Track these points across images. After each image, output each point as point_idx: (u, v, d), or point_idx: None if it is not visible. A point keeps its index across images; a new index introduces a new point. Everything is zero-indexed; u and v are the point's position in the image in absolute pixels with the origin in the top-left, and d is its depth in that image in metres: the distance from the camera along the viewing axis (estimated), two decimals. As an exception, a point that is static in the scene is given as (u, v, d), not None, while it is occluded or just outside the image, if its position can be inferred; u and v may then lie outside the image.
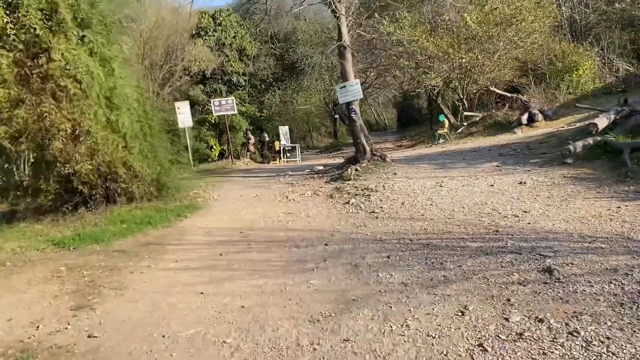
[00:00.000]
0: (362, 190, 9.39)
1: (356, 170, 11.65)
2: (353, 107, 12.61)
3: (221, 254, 5.93)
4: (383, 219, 7.06)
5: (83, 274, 5.47)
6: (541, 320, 3.37)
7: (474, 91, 24.02)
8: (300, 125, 42.58)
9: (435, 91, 25.44)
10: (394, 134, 40.98)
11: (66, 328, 4.10)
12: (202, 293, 4.61)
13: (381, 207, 7.74)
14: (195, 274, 5.24)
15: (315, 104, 45.61)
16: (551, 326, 3.29)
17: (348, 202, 8.51)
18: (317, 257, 5.42)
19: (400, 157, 15.29)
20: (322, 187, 10.69)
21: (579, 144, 10.02)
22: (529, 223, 5.95)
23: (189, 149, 19.33)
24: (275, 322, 3.81)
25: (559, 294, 3.77)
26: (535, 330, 3.26)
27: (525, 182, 8.40)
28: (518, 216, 6.34)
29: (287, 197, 9.92)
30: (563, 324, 3.30)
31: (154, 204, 9.41)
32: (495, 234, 5.60)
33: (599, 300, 3.60)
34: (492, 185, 8.53)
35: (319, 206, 8.66)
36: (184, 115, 18.86)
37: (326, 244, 5.92)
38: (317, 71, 21.17)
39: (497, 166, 10.65)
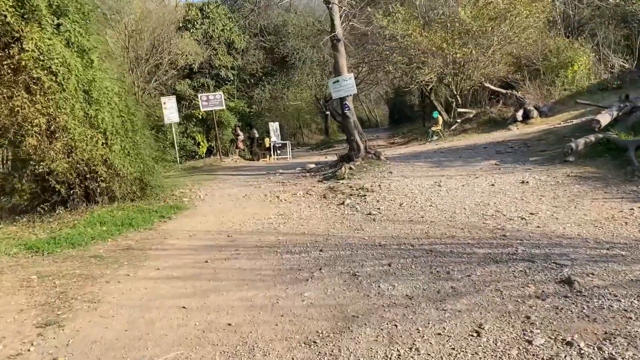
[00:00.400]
0: (357, 190, 8.96)
1: (350, 168, 11.22)
2: (347, 102, 12.16)
3: (207, 261, 5.47)
4: (381, 221, 6.63)
5: (55, 284, 4.98)
6: (569, 344, 2.96)
7: (468, 87, 23.73)
8: (290, 122, 42.01)
9: (429, 87, 25.08)
10: (386, 130, 40.61)
11: (29, 350, 3.61)
12: (184, 307, 4.14)
13: (378, 209, 7.32)
14: (177, 284, 4.77)
15: (305, 100, 45.09)
16: (582, 351, 2.88)
17: (343, 203, 8.08)
18: (311, 265, 4.98)
19: (394, 154, 14.89)
20: (314, 186, 10.24)
21: (581, 141, 9.67)
22: (538, 226, 5.56)
23: (175, 146, 18.78)
24: (266, 345, 3.35)
25: (584, 311, 3.37)
26: (565, 356, 2.85)
27: (527, 182, 8.03)
28: (525, 219, 5.95)
29: (278, 197, 9.46)
30: (595, 348, 2.90)
31: (137, 204, 8.91)
32: (503, 239, 5.20)
33: (630, 318, 3.20)
34: (492, 184, 8.14)
35: (312, 207, 8.21)
36: (170, 110, 18.28)
37: (321, 250, 5.48)
38: (308, 66, 20.64)
39: (495, 164, 10.28)
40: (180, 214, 8.52)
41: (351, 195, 8.65)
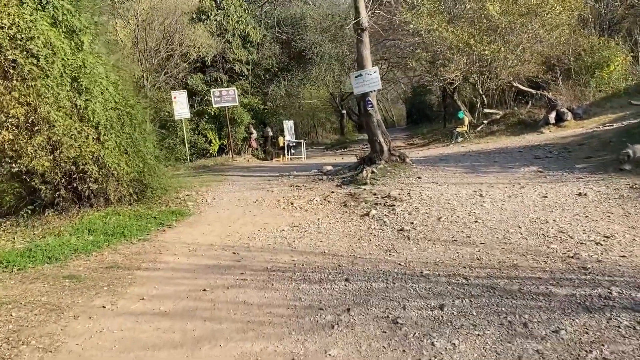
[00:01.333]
0: (383, 198, 7.82)
1: (372, 172, 10.08)
2: (369, 99, 11.02)
3: (205, 290, 4.38)
4: (417, 240, 5.50)
5: (11, 316, 3.94)
6: None
7: (494, 87, 22.41)
8: (305, 120, 41.02)
9: (452, 86, 23.81)
10: (404, 130, 39.32)
11: None
12: (167, 365, 3.06)
13: (412, 223, 6.17)
14: (164, 324, 3.69)
15: (321, 98, 44.07)
16: None
17: (367, 214, 6.95)
18: (336, 303, 3.86)
19: (418, 157, 13.71)
20: (333, 192, 9.12)
21: (638, 147, 8.42)
22: (623, 256, 4.38)
23: (186, 143, 17.81)
24: None
25: None
26: None
27: (585, 194, 6.82)
28: (601, 244, 4.77)
29: (292, 204, 8.37)
30: None
31: (135, 209, 7.88)
32: (584, 273, 4.03)
33: None
34: (544, 196, 6.95)
35: (331, 217, 7.10)
36: (180, 105, 17.29)
37: (347, 280, 4.36)
38: (326, 61, 19.49)
39: (538, 171, 9.08)
40: (182, 222, 7.47)
41: (376, 204, 7.52)
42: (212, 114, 19.42)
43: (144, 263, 5.37)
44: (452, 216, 6.26)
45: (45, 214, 7.44)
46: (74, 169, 6.79)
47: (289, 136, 21.42)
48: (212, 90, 18.42)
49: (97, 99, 6.75)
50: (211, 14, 18.78)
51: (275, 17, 19.64)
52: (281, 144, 20.94)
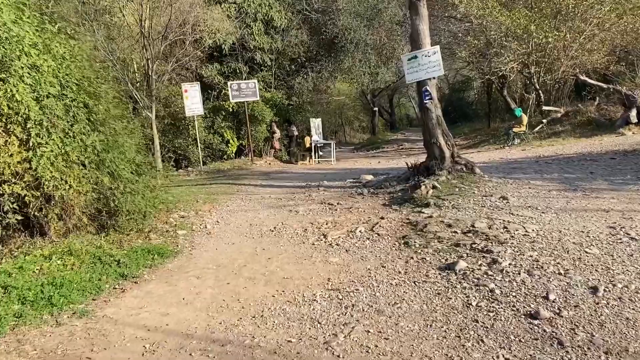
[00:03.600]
0: (465, 234, 5.12)
1: (434, 188, 7.37)
2: (427, 89, 8.28)
3: None
4: (580, 349, 2.77)
5: None
6: None
7: (553, 80, 19.27)
8: (332, 119, 38.32)
9: (501, 80, 20.76)
10: (439, 130, 36.21)
11: None
12: None
13: (546, 299, 3.42)
14: None
15: (350, 95, 41.24)
16: None
17: (452, 268, 4.24)
18: None
19: (479, 163, 10.89)
20: (381, 216, 6.45)
21: None
22: None
23: (198, 144, 15.38)
24: None
25: None
26: None
27: None
28: None
29: (325, 237, 5.73)
30: None
31: (99, 242, 5.37)
32: None
33: None
34: None
35: (390, 270, 4.42)
36: (192, 100, 14.87)
37: None
38: (361, 49, 16.78)
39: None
40: (159, 271, 4.92)
41: (458, 245, 4.81)
42: (230, 110, 16.96)
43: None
44: (611, 287, 3.49)
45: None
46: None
47: (316, 136, 18.80)
48: (229, 83, 15.96)
49: (21, 79, 4.24)
50: (230, -5, 16.33)
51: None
52: (307, 145, 18.33)
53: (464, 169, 8.30)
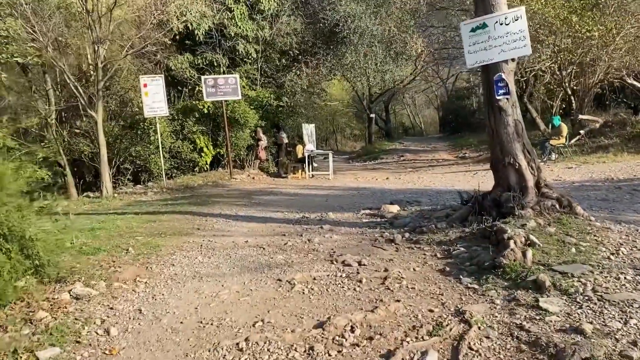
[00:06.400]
0: None
1: (530, 245, 4.23)
2: (503, 77, 5.15)
3: None
4: None
5: None
6: None
7: (590, 84, 16.37)
8: (323, 125, 35.16)
9: (529, 82, 17.81)
10: (440, 140, 33.21)
11: None
12: None
13: None
14: None
15: (343, 100, 38.07)
16: None
17: None
18: None
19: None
20: (454, 308, 3.30)
21: None
22: None
23: (160, 152, 12.10)
24: None
25: None
26: None
27: None
28: None
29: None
30: None
31: None
32: None
33: None
34: None
35: None
36: (153, 97, 11.64)
37: None
38: (366, 41, 13.64)
39: None
40: None
41: None
42: (205, 111, 13.73)
43: None
44: None
45: None
46: None
47: (310, 145, 15.62)
48: (203, 78, 12.77)
49: None
50: (206, -29, 13.11)
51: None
52: (300, 155, 15.13)
53: (557, 205, 5.18)
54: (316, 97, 18.60)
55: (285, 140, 15.28)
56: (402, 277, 4.15)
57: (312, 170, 15.02)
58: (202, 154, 13.91)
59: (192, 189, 11.52)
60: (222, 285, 4.22)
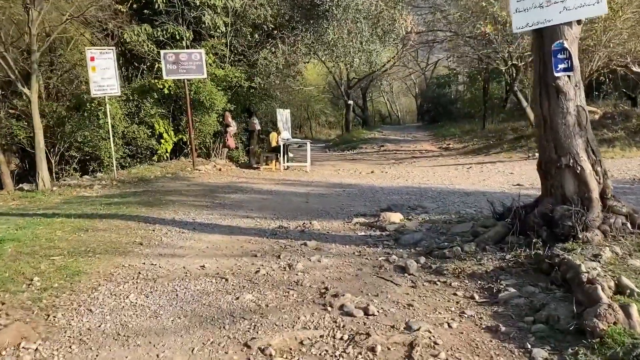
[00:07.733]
0: None
1: (620, 293, 2.82)
2: (566, 45, 3.70)
3: None
4: None
5: None
6: None
7: (587, 72, 15.26)
8: (297, 111, 33.46)
9: (513, 70, 16.64)
10: (419, 129, 31.91)
11: None
12: None
13: None
14: None
15: (319, 86, 36.35)
16: None
17: None
18: None
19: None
20: None
21: None
22: None
23: (111, 138, 10.30)
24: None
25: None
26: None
27: None
28: None
29: None
30: None
31: None
32: None
33: None
34: None
35: None
36: (102, 73, 9.81)
37: None
38: (350, 17, 12.03)
39: None
40: None
41: None
42: (165, 92, 11.92)
43: None
44: None
45: None
46: None
47: (285, 132, 14.00)
48: (162, 53, 10.97)
49: None
50: None
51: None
52: (274, 144, 13.49)
53: (629, 225, 3.81)
54: (292, 80, 16.93)
55: (258, 127, 13.62)
56: (436, 344, 2.69)
57: (287, 161, 13.44)
58: (162, 141, 12.12)
59: (147, 182, 9.81)
60: (157, 356, 2.68)
